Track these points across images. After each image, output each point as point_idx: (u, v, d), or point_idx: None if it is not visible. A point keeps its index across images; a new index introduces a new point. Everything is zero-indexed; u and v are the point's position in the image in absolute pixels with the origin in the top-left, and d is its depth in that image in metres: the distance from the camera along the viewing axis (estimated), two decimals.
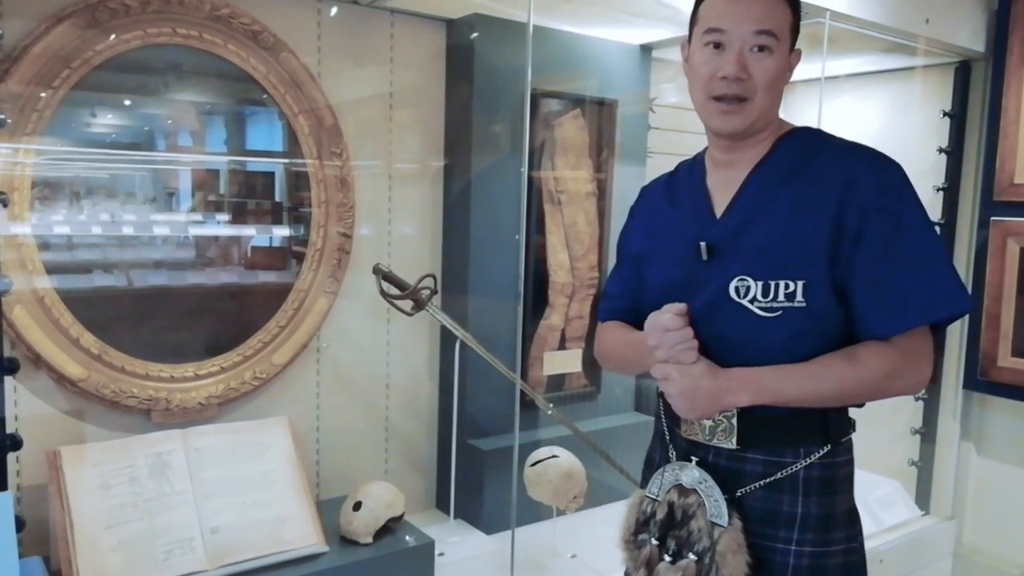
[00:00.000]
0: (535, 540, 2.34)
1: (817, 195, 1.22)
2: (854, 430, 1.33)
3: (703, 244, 1.28)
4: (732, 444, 1.27)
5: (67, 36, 1.76)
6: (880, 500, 2.92)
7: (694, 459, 1.30)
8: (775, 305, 1.22)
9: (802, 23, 2.35)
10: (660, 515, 1.30)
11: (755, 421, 1.26)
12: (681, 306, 1.26)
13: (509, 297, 2.38)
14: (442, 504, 2.51)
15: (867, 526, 2.75)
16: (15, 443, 1.33)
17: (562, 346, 2.62)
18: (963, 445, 2.99)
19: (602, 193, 2.66)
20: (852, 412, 1.34)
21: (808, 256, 1.21)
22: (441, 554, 2.18)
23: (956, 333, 2.89)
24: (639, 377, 2.78)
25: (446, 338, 2.42)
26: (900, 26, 2.46)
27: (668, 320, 1.25)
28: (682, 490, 1.29)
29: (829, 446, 1.26)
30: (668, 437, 1.39)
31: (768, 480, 1.26)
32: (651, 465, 1.44)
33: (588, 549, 2.32)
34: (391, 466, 2.47)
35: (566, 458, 2.20)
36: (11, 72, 1.71)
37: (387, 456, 2.46)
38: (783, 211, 1.24)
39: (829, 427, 1.27)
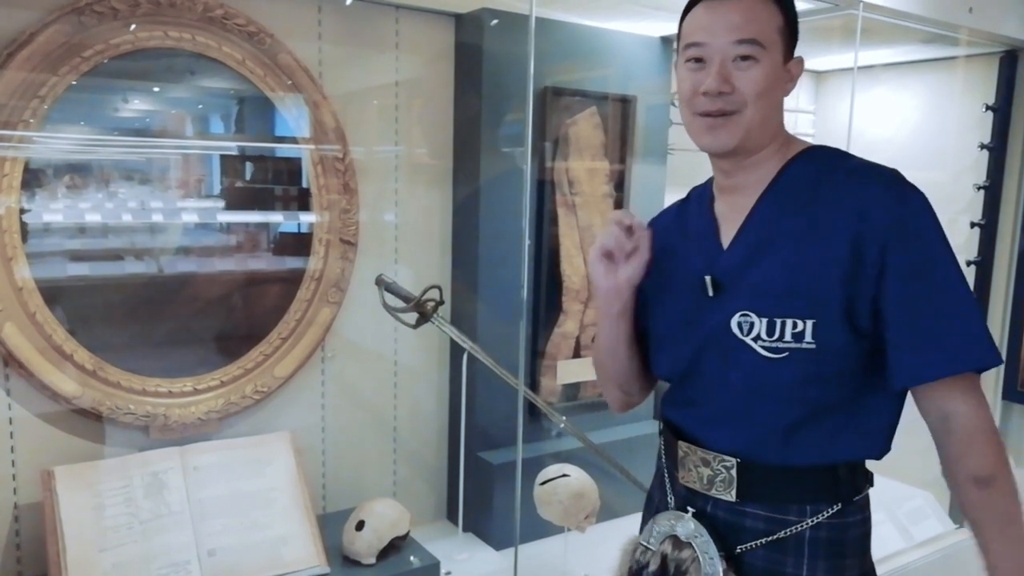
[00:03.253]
0: (545, 557, 2.27)
1: (829, 225, 1.10)
2: (871, 484, 1.21)
3: (707, 278, 1.17)
4: (731, 496, 1.17)
5: (52, 43, 1.68)
6: (911, 513, 2.80)
7: (691, 509, 1.20)
8: (781, 346, 1.10)
9: (835, 14, 2.25)
10: (653, 567, 1.20)
11: (756, 473, 1.15)
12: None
13: (519, 305, 2.29)
14: (452, 515, 2.44)
15: (897, 541, 2.67)
16: None
17: (577, 354, 2.53)
18: None
19: (619, 195, 2.54)
20: (870, 464, 1.22)
21: (819, 293, 1.09)
22: (448, 573, 2.12)
23: (996, 342, 2.74)
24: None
25: (455, 347, 2.34)
26: (941, 16, 2.30)
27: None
28: (677, 542, 1.19)
29: (840, 504, 1.15)
30: (668, 480, 1.29)
31: (770, 538, 1.15)
32: (651, 507, 1.34)
33: (601, 566, 2.23)
34: (400, 477, 2.40)
35: (577, 477, 2.11)
36: None
37: (395, 467, 2.40)
38: (791, 242, 1.12)
39: (840, 483, 1.15)
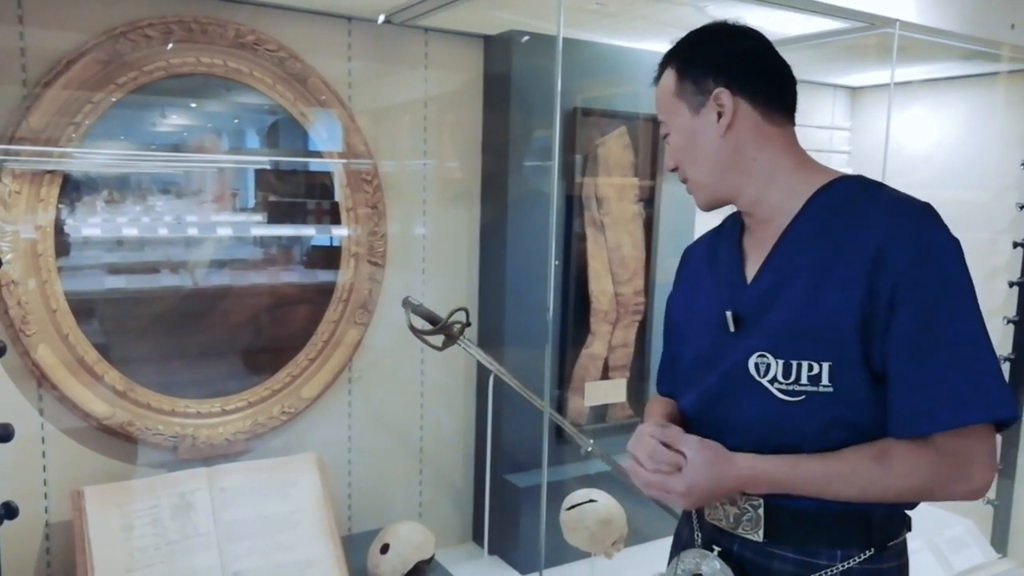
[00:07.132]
0: None
1: (848, 262, 1.04)
2: (909, 529, 1.16)
3: (729, 314, 1.13)
4: (758, 537, 1.13)
5: (87, 71, 1.72)
6: (951, 541, 2.71)
7: (716, 548, 1.16)
8: (797, 388, 1.06)
9: (871, 32, 2.20)
10: None
11: (784, 514, 1.11)
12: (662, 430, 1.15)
13: (545, 326, 2.27)
14: (478, 538, 2.42)
15: (936, 571, 2.58)
16: (9, 512, 1.29)
17: (605, 376, 2.50)
18: None
19: (649, 215, 2.51)
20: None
21: (835, 334, 1.04)
22: None
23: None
24: None
25: (482, 369, 2.33)
26: (981, 33, 2.24)
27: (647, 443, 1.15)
28: None
29: (872, 549, 1.10)
30: (695, 516, 1.25)
31: None
32: (678, 542, 1.31)
33: None
34: (425, 499, 2.39)
35: (604, 502, 2.08)
36: (32, 109, 1.68)
37: (421, 488, 2.39)
38: (809, 279, 1.07)
39: (873, 528, 1.10)
